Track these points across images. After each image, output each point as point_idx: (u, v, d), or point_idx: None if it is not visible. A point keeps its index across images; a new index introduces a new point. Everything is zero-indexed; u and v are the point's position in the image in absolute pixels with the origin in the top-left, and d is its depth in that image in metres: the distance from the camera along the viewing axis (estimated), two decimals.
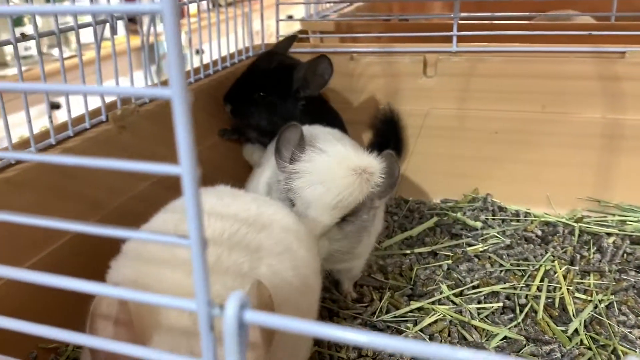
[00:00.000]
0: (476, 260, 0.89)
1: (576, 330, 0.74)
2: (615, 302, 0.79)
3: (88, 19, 0.75)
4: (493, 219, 1.00)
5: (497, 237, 0.94)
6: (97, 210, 0.74)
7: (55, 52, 1.73)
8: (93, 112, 0.76)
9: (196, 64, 0.97)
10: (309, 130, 0.84)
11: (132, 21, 1.00)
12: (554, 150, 1.02)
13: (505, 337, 0.73)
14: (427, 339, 0.74)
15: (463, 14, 1.14)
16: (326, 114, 1.00)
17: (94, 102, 0.78)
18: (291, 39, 1.05)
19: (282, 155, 0.74)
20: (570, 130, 1.00)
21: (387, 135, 0.97)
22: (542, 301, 0.79)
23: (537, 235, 0.94)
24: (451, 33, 1.02)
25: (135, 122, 0.81)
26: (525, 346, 0.71)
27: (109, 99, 0.80)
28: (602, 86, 0.98)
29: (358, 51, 1.08)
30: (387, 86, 1.08)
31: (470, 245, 0.93)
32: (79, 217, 0.71)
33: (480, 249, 0.92)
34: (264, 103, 0.94)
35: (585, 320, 0.75)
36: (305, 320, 0.27)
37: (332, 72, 0.95)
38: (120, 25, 0.77)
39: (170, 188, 0.48)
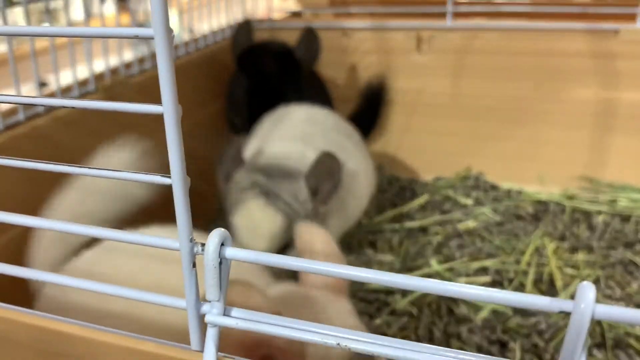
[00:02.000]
0: (466, 236, 0.90)
1: None
2: (602, 277, 0.79)
3: None
4: (485, 197, 1.00)
5: (487, 214, 0.94)
6: None
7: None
8: (81, 83, 0.76)
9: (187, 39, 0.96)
10: (304, 119, 0.84)
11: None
12: (547, 128, 1.02)
13: (493, 310, 0.74)
14: (414, 312, 0.74)
15: None
16: (314, 90, 1.00)
17: (82, 74, 0.77)
18: (247, 25, 1.01)
19: (221, 173, 0.74)
20: (564, 109, 1.00)
21: (366, 108, 0.99)
22: (531, 276, 0.79)
23: (528, 213, 0.95)
24: (445, 9, 1.01)
25: (125, 93, 0.80)
26: (511, 317, 0.72)
27: (98, 70, 0.79)
28: (595, 64, 0.98)
29: (351, 27, 1.07)
30: (381, 62, 1.07)
31: (460, 221, 0.93)
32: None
33: (471, 226, 0.92)
34: (279, 101, 0.93)
35: (572, 294, 0.76)
36: (280, 256, 0.27)
37: (320, 45, 0.96)
38: (110, 2, 0.76)
39: None
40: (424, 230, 0.92)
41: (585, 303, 0.22)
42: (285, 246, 0.70)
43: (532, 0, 1.21)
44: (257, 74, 0.94)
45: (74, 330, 0.29)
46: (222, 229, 0.27)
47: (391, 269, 0.82)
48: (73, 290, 0.48)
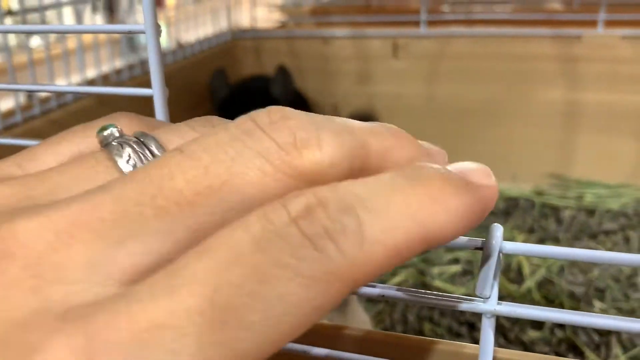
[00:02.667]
0: None
1: (529, 290, 0.79)
2: (566, 265, 0.84)
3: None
4: None
5: None
6: None
7: (33, 41, 1.76)
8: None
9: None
10: None
11: (111, 11, 1.04)
12: (519, 128, 1.07)
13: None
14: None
15: None
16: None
17: (75, 80, 0.82)
18: (221, 73, 1.04)
19: None
20: (534, 110, 1.06)
21: None
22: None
23: (499, 209, 1.00)
24: (420, 17, 1.07)
25: (115, 98, 0.84)
26: None
27: (90, 76, 0.84)
28: (562, 67, 1.04)
29: (331, 35, 1.13)
30: (360, 68, 1.13)
31: None
32: None
33: None
34: None
35: (538, 281, 0.81)
36: None
37: (292, 80, 1.02)
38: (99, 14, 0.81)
39: None
40: None
41: (495, 239, 0.27)
42: None
43: (502, 8, 1.28)
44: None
45: None
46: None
47: None
48: None
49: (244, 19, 1.32)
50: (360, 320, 0.50)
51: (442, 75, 1.09)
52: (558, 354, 0.68)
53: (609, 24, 1.02)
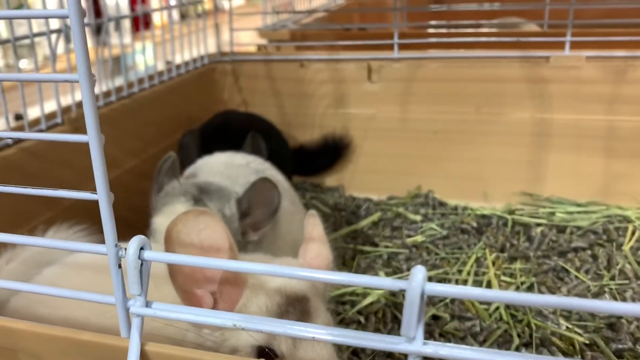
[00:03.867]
0: (414, 249, 0.96)
1: (498, 309, 0.81)
2: (535, 283, 0.86)
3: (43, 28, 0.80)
4: (433, 213, 1.07)
5: (434, 229, 1.01)
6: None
7: (22, 63, 1.78)
8: (49, 115, 0.82)
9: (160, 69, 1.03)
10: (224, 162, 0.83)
11: (98, 33, 1.05)
12: (489, 148, 1.09)
13: (433, 316, 0.80)
14: (362, 320, 0.80)
15: (430, 22, 1.22)
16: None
17: (51, 107, 0.83)
18: (191, 134, 0.96)
19: (154, 185, 0.75)
20: (504, 130, 1.08)
21: (323, 153, 1.07)
22: (470, 284, 0.86)
23: (472, 227, 1.02)
24: (392, 41, 1.09)
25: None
26: (449, 322, 0.78)
27: (64, 103, 0.85)
28: (530, 88, 1.06)
29: (307, 59, 1.15)
30: (335, 91, 1.15)
31: (409, 236, 1.00)
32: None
33: (419, 240, 0.98)
34: None
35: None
36: (196, 257, 0.33)
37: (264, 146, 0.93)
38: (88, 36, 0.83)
39: None
40: (375, 245, 0.98)
41: (416, 282, 0.28)
42: None
43: (470, 32, 1.31)
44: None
45: (20, 325, 0.35)
46: (142, 236, 0.33)
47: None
48: (39, 304, 0.53)
49: (224, 43, 1.34)
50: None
51: (415, 97, 1.11)
52: None
53: (576, 45, 1.04)
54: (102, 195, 0.32)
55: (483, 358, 0.28)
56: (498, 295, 0.28)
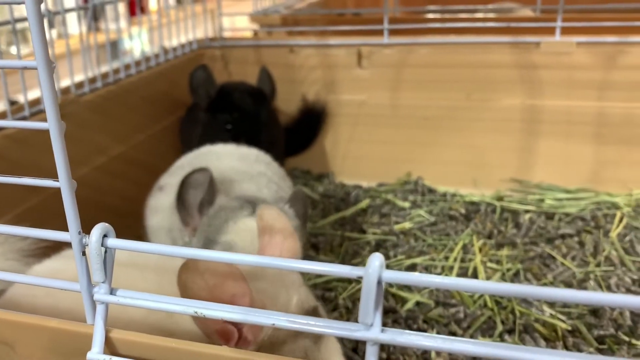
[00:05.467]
0: (402, 236, 0.96)
1: (483, 296, 0.81)
2: (521, 270, 0.86)
3: None
4: (422, 200, 1.07)
5: (423, 215, 1.01)
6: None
7: (13, 50, 1.76)
8: (33, 102, 0.81)
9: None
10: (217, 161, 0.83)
11: (95, 19, 1.04)
12: (479, 134, 1.09)
13: (417, 302, 0.80)
14: (350, 305, 0.80)
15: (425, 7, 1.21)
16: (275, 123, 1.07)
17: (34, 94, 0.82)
18: (205, 69, 1.03)
19: (189, 205, 0.70)
20: (494, 116, 1.08)
21: (304, 125, 1.07)
22: (455, 270, 0.86)
23: (460, 214, 1.02)
24: (381, 27, 1.08)
25: (75, 111, 0.86)
26: (434, 309, 0.78)
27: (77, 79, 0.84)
28: (521, 74, 1.05)
29: (297, 44, 1.14)
30: (325, 77, 1.14)
31: (397, 223, 1.00)
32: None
33: (407, 227, 0.98)
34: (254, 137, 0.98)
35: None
36: (160, 245, 0.33)
37: (274, 81, 1.05)
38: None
39: None
40: (363, 231, 0.98)
41: (372, 269, 0.28)
42: None
43: (457, 16, 1.30)
44: (236, 111, 0.99)
45: None
46: (105, 224, 0.33)
47: None
48: (37, 295, 0.52)
49: (214, 28, 1.33)
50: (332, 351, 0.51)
51: (405, 84, 1.11)
52: None
53: (567, 31, 1.04)
54: (63, 183, 0.32)
55: (438, 346, 0.28)
56: (455, 283, 0.28)
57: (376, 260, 0.29)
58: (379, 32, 1.11)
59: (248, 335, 0.39)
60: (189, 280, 0.35)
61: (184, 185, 0.70)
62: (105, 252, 0.33)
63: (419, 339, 0.28)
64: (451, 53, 1.07)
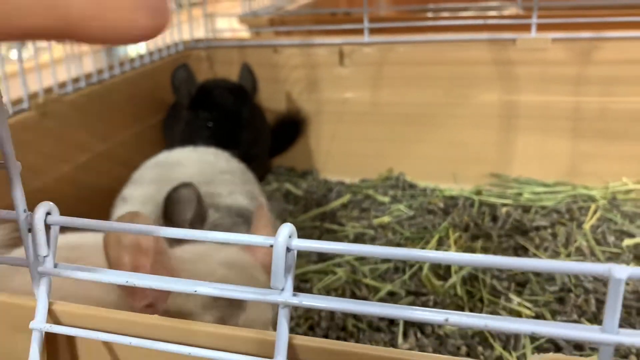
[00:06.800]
0: (380, 230, 0.98)
1: (454, 285, 0.83)
2: None
3: None
4: (402, 195, 1.09)
5: (401, 210, 1.03)
6: None
7: (13, 54, 1.81)
8: (15, 101, 0.84)
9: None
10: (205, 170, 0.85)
11: None
12: (458, 130, 1.11)
13: (390, 292, 0.82)
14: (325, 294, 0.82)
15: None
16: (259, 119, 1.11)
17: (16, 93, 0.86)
18: (185, 68, 1.06)
19: (178, 225, 0.68)
20: (472, 112, 1.10)
21: (281, 132, 1.11)
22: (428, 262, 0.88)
23: (439, 208, 1.03)
24: (361, 26, 1.11)
25: (58, 109, 0.88)
26: (404, 297, 0.80)
27: (32, 89, 0.87)
28: (498, 71, 1.07)
29: (280, 44, 1.17)
30: (308, 76, 1.17)
31: (376, 217, 1.02)
32: None
33: (386, 221, 1.00)
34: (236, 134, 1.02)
35: (464, 276, 0.84)
36: (103, 221, 0.35)
37: (256, 78, 1.09)
38: None
39: None
40: (342, 225, 1.00)
41: (282, 237, 0.30)
42: None
43: (437, 15, 1.32)
44: (216, 109, 1.02)
45: None
46: (48, 202, 0.35)
47: (308, 261, 0.91)
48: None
49: (217, 30, 1.36)
50: (260, 319, 0.53)
51: (385, 81, 1.13)
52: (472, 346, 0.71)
53: (543, 27, 1.05)
54: (9, 164, 0.34)
55: (343, 307, 0.30)
56: (358, 248, 0.31)
57: (285, 229, 0.31)
58: (356, 32, 1.13)
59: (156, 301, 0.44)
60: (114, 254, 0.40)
61: (171, 204, 0.68)
62: (49, 228, 0.35)
63: (325, 302, 0.31)
64: (430, 51, 1.10)
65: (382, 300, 0.80)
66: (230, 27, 1.41)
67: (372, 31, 1.11)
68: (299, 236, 0.84)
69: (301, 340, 0.32)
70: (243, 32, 1.46)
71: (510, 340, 0.71)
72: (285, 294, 0.31)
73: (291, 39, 1.17)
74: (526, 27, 1.06)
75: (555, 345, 0.70)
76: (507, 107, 1.08)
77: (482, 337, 0.73)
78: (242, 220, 0.75)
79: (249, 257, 0.59)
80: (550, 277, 0.82)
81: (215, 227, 0.73)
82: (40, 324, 0.35)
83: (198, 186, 0.73)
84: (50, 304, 0.36)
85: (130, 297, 0.47)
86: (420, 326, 0.75)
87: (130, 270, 0.40)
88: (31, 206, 0.36)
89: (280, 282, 0.31)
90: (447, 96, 1.10)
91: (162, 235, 0.33)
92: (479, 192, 1.07)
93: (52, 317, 0.36)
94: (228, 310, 0.51)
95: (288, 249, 0.31)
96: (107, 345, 0.36)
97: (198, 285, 0.32)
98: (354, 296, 0.82)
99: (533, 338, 0.71)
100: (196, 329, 0.32)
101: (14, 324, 0.37)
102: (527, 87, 1.06)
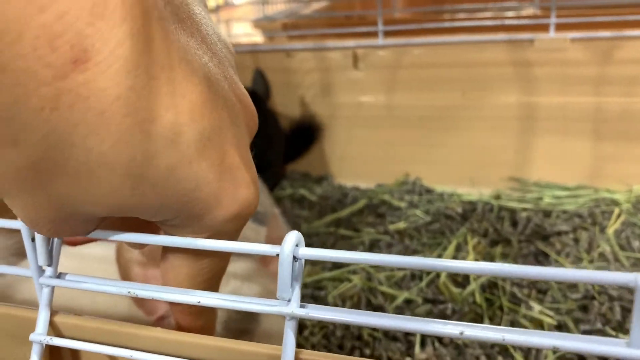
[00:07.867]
0: (397, 236, 0.96)
1: (473, 292, 0.80)
2: None
3: None
4: (419, 200, 1.07)
5: (418, 215, 1.01)
6: None
7: None
8: None
9: None
10: None
11: None
12: (476, 133, 1.09)
13: (407, 300, 0.80)
14: (340, 303, 0.81)
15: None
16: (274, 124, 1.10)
17: None
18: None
19: None
20: (489, 114, 1.07)
21: (296, 137, 1.09)
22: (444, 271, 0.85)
23: (457, 213, 1.01)
24: (375, 28, 1.09)
25: None
26: (421, 305, 0.78)
27: None
28: (516, 72, 1.05)
29: (293, 48, 1.16)
30: (322, 80, 1.15)
31: (392, 223, 1.00)
32: None
33: (402, 226, 0.98)
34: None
35: (483, 283, 0.82)
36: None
37: (269, 83, 1.10)
38: None
39: None
40: (357, 231, 0.99)
41: (288, 245, 0.29)
42: None
43: (453, 16, 1.29)
44: None
45: None
46: None
47: (323, 268, 0.89)
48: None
49: (237, 35, 1.36)
50: (278, 331, 0.52)
51: (401, 84, 1.11)
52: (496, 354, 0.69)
53: (562, 27, 1.03)
54: None
55: (354, 320, 0.29)
56: (369, 257, 0.29)
57: (292, 236, 0.29)
58: (370, 34, 1.12)
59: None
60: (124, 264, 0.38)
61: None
62: (52, 238, 0.34)
63: (334, 313, 0.29)
64: (446, 52, 1.07)
65: (398, 308, 0.78)
66: (244, 32, 1.40)
67: (387, 34, 1.09)
68: (314, 243, 0.84)
69: (308, 355, 0.30)
70: (257, 37, 1.45)
71: (531, 351, 0.69)
72: (291, 305, 0.29)
73: (304, 43, 1.16)
74: (544, 27, 1.04)
75: (578, 355, 0.68)
76: (526, 109, 1.05)
77: (502, 346, 0.70)
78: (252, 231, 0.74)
79: (263, 268, 0.58)
80: (572, 284, 0.80)
81: None
82: (40, 336, 0.34)
83: None
84: (52, 315, 0.35)
85: (141, 310, 0.46)
86: (438, 337, 0.72)
87: (142, 282, 0.39)
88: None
89: (286, 293, 0.29)
90: (463, 99, 1.08)
91: (169, 244, 0.32)
92: (498, 197, 1.04)
93: (54, 328, 0.35)
94: (243, 324, 0.49)
95: (295, 258, 0.29)
96: (110, 358, 0.35)
97: (202, 297, 0.31)
98: (369, 304, 0.80)
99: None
100: (197, 342, 0.31)
101: (14, 335, 0.36)
102: (546, 88, 1.03)
